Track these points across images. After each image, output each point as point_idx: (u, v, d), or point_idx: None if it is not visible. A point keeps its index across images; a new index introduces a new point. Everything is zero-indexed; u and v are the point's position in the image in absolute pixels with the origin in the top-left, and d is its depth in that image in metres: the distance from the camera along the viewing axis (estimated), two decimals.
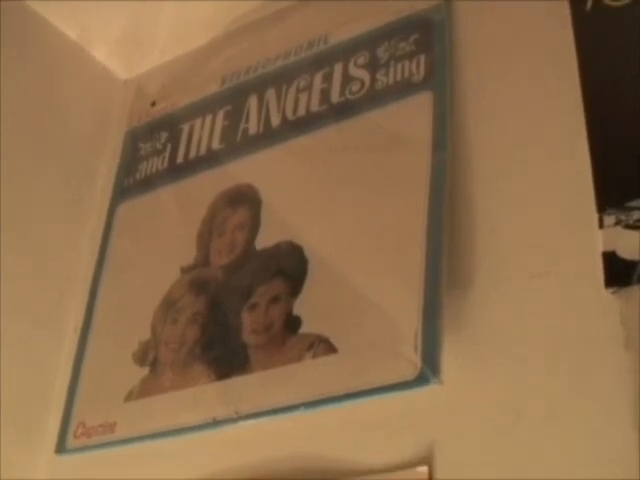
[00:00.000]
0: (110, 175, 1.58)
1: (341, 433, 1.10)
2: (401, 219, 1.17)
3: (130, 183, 1.54)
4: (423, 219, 1.14)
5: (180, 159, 1.49)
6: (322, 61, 1.40)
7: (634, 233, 0.99)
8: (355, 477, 1.06)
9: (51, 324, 1.45)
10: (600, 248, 1.01)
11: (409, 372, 1.05)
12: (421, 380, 1.04)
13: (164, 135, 1.54)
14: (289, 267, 1.24)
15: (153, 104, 1.60)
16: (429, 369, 1.04)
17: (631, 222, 1.00)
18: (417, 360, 1.05)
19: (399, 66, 1.30)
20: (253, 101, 1.44)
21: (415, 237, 1.13)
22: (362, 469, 1.06)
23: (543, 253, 1.07)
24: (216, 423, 1.19)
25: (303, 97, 1.38)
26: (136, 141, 1.59)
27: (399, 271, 1.13)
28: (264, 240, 1.30)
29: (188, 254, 1.37)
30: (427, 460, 1.03)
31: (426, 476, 1.02)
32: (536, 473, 0.96)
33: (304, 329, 1.17)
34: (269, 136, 1.39)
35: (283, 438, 1.14)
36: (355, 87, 1.33)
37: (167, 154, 1.52)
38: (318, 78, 1.38)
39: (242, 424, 1.17)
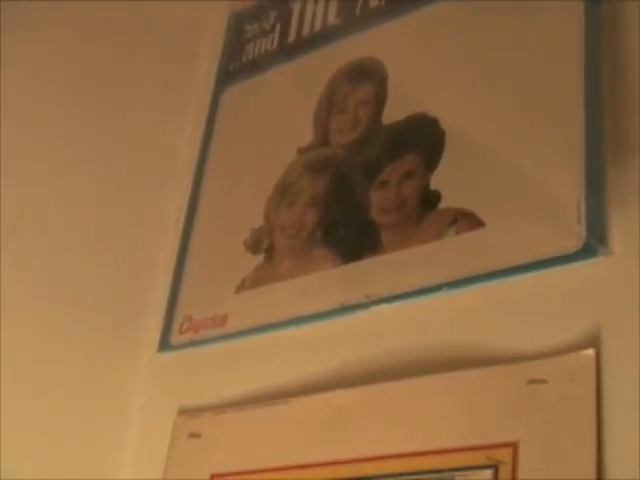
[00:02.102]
0: (213, 60, 1.48)
1: (492, 316, 0.98)
2: (551, 82, 1.04)
3: (236, 67, 1.44)
4: (579, 81, 1.01)
5: (292, 38, 1.39)
6: None
7: None
8: (510, 364, 0.93)
9: (151, 214, 1.36)
10: None
11: (572, 244, 0.93)
12: (586, 252, 0.92)
13: (272, 15, 1.44)
14: (423, 140, 1.12)
15: None
16: (595, 240, 0.92)
17: None
18: (581, 230, 0.93)
19: None
20: None
21: (569, 100, 1.01)
22: (518, 355, 0.93)
23: None
24: (344, 309, 1.08)
25: None
26: (241, 23, 1.49)
27: (553, 138, 1.01)
28: (392, 115, 1.18)
29: (304, 135, 1.26)
30: (594, 342, 0.90)
31: (593, 360, 0.89)
32: None
33: (444, 204, 1.06)
34: (393, 8, 1.27)
35: (423, 323, 1.02)
36: None
37: (277, 34, 1.42)
38: None
39: (374, 309, 1.06)
